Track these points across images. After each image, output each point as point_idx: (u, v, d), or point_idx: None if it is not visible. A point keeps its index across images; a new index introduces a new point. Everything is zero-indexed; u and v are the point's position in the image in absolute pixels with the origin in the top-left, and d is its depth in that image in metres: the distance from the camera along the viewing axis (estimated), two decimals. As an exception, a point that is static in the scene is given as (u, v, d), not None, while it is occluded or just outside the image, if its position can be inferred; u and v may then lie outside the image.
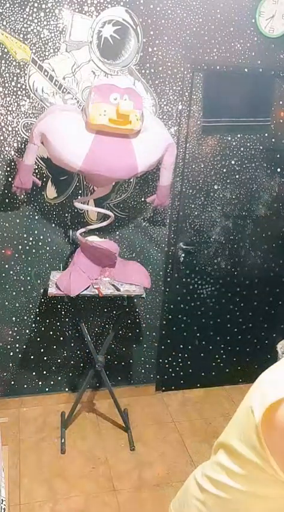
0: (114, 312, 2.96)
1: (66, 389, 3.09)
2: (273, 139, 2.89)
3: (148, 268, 2.86)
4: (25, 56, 2.39)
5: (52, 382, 3.04)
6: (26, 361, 2.93)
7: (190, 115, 2.69)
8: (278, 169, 2.96)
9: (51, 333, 2.92)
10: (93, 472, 2.56)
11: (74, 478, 2.51)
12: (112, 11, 2.41)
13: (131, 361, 3.15)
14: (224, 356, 3.25)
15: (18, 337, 2.87)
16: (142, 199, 2.77)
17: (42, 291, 2.81)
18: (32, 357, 2.94)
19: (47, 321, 2.89)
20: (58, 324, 2.92)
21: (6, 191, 2.58)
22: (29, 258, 2.74)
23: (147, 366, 3.18)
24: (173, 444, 2.72)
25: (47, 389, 3.04)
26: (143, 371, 3.19)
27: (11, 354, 2.90)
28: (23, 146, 2.49)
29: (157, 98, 2.61)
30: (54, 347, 2.96)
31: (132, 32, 2.47)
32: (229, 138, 2.81)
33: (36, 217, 2.67)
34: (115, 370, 3.12)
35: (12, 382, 2.96)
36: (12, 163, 2.53)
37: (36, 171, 2.56)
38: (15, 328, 2.85)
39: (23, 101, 2.45)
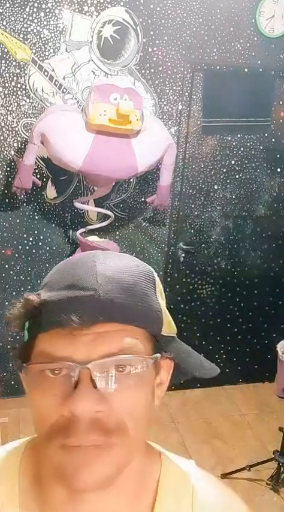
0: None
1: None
2: (273, 139, 2.89)
3: (148, 268, 2.86)
4: (25, 56, 2.39)
5: (52, 382, 3.04)
6: (26, 361, 2.93)
7: (190, 115, 2.69)
8: (278, 169, 2.96)
9: (51, 333, 2.92)
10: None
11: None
12: (112, 11, 2.41)
13: (131, 361, 3.14)
14: (224, 356, 3.25)
15: (18, 337, 2.87)
16: (142, 199, 2.77)
17: (42, 291, 2.81)
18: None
19: (47, 321, 2.89)
20: (58, 324, 2.91)
21: (6, 191, 2.58)
22: (29, 258, 2.74)
23: (147, 366, 3.18)
24: (173, 445, 2.72)
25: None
26: (143, 371, 3.18)
27: (11, 354, 2.90)
28: (23, 146, 2.49)
29: (157, 98, 2.61)
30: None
31: (132, 32, 2.47)
32: (229, 138, 2.81)
33: (36, 217, 2.67)
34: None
35: (12, 382, 2.96)
36: (12, 163, 2.53)
37: (36, 171, 2.56)
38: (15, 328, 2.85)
39: (23, 101, 2.45)
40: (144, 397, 0.54)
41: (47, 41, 2.39)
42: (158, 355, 0.55)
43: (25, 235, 2.69)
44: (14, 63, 2.39)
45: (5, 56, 2.37)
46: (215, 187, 2.89)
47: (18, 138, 2.51)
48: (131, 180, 2.70)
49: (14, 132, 2.50)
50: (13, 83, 2.42)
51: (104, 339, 0.50)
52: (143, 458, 0.62)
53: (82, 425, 0.48)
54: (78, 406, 0.48)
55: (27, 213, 2.65)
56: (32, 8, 2.34)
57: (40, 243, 2.72)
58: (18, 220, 2.65)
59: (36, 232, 2.69)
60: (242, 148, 2.85)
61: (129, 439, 0.51)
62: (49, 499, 0.58)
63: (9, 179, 2.55)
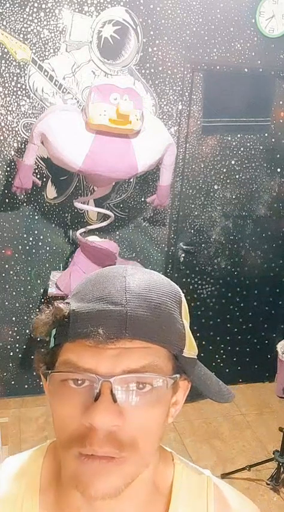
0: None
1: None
2: (273, 139, 2.89)
3: (148, 268, 2.86)
4: (25, 56, 2.39)
5: (52, 382, 3.04)
6: (26, 361, 2.93)
7: (190, 115, 2.69)
8: (278, 169, 2.96)
9: (51, 332, 2.92)
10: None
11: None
12: (112, 11, 2.41)
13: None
14: (224, 356, 3.25)
15: (18, 337, 2.87)
16: (142, 199, 2.77)
17: (42, 291, 2.81)
18: (32, 357, 2.93)
19: (47, 320, 2.89)
20: (58, 323, 2.91)
21: (6, 191, 2.58)
22: (29, 258, 2.74)
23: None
24: (172, 444, 2.72)
25: (47, 389, 3.04)
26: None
27: (11, 354, 2.90)
28: (23, 146, 2.49)
29: (157, 98, 2.61)
30: (54, 347, 2.95)
31: (132, 32, 2.47)
32: (229, 138, 2.81)
33: (36, 217, 2.67)
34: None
35: (13, 382, 2.96)
36: (12, 163, 2.53)
37: (36, 171, 2.56)
38: (15, 328, 2.86)
39: (23, 101, 2.45)
40: (159, 415, 0.55)
41: (47, 41, 2.39)
42: (177, 376, 0.56)
43: (25, 235, 2.69)
44: (14, 63, 2.39)
45: (5, 56, 2.37)
46: (215, 187, 2.89)
47: (18, 138, 2.51)
48: (131, 180, 2.70)
49: (14, 132, 2.50)
50: (13, 83, 2.42)
51: (128, 355, 0.51)
52: (156, 463, 0.63)
53: (98, 436, 0.50)
54: (98, 419, 0.49)
55: (27, 213, 2.65)
56: (32, 8, 2.34)
57: (40, 243, 2.72)
58: (18, 220, 2.65)
59: (36, 232, 2.70)
60: (242, 148, 2.85)
61: (139, 454, 0.52)
62: (66, 500, 0.61)
63: (9, 179, 2.55)
